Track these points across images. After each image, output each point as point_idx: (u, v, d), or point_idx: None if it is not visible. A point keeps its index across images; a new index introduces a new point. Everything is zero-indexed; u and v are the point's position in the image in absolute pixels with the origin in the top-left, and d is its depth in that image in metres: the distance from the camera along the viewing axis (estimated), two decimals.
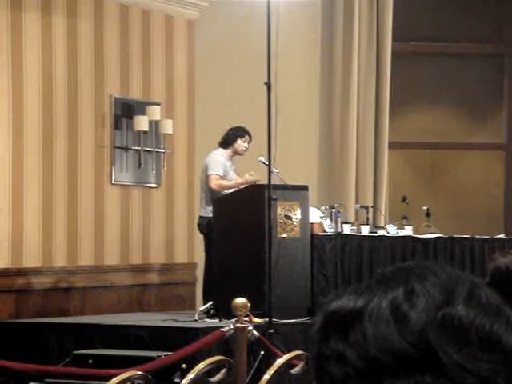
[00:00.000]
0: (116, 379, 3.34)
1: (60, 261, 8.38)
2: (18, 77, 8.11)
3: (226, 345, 6.18)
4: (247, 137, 8.23)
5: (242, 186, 8.11)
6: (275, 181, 7.83)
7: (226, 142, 8.28)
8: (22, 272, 8.07)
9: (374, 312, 0.96)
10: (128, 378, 3.48)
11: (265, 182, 7.70)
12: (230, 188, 8.11)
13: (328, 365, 0.97)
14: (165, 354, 6.51)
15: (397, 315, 0.96)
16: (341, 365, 0.96)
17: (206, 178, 8.14)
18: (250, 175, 8.04)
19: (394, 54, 10.39)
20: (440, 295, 0.96)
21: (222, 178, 8.11)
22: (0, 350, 7.38)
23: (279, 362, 4.74)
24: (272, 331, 7.05)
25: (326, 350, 0.98)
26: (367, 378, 0.95)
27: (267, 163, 7.74)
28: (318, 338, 0.99)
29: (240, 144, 8.22)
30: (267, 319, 7.20)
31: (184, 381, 3.71)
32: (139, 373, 3.52)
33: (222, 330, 5.32)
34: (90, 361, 6.78)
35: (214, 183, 8.08)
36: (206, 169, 8.20)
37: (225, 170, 8.16)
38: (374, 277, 1.01)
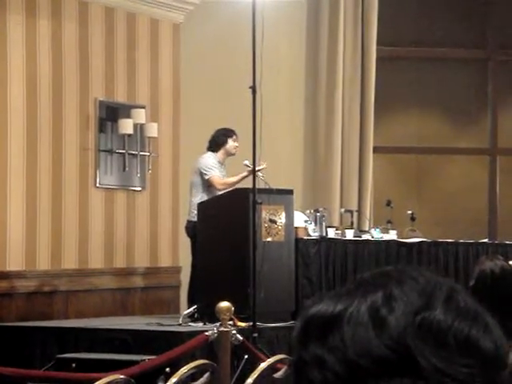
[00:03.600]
0: (99, 383, 3.33)
1: (44, 264, 8.35)
2: (2, 78, 8.08)
3: (209, 349, 6.17)
4: (235, 136, 8.25)
5: (231, 188, 8.09)
6: (260, 184, 7.83)
7: (217, 144, 8.26)
8: (5, 275, 8.03)
9: (352, 316, 0.96)
10: (111, 382, 3.47)
11: (249, 185, 7.70)
12: (236, 183, 8.08)
13: (307, 369, 0.97)
14: (149, 357, 6.49)
15: (375, 319, 0.96)
16: (320, 369, 0.96)
17: (205, 181, 8.10)
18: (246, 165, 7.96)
19: (379, 58, 10.42)
20: (418, 300, 0.96)
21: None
22: None
23: (263, 365, 4.74)
24: (256, 335, 7.04)
25: (306, 355, 0.98)
26: (346, 382, 0.95)
27: (252, 167, 7.73)
28: (298, 343, 0.99)
29: (231, 144, 8.23)
30: (251, 323, 7.19)
31: None
32: (122, 377, 3.51)
33: (206, 333, 5.31)
34: (74, 365, 6.75)
35: (219, 183, 8.07)
36: (199, 173, 8.16)
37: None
38: (354, 281, 1.01)
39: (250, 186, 7.65)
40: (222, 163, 8.29)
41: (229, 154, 8.27)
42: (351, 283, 1.01)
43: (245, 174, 8.01)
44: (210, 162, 8.16)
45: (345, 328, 0.96)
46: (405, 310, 0.96)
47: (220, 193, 8.09)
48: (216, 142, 8.26)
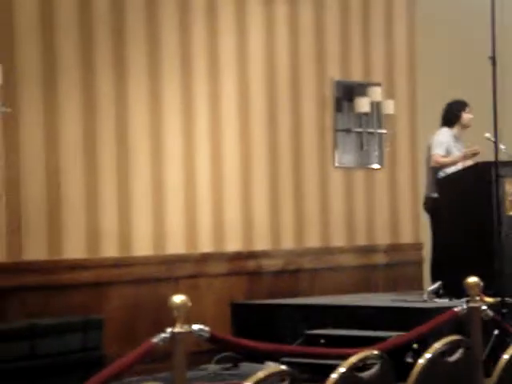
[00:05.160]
0: (353, 358, 3.38)
1: (288, 243, 8.58)
2: (243, 63, 8.34)
3: (456, 325, 6.10)
4: (468, 108, 8.12)
5: (467, 163, 7.96)
6: (502, 157, 7.63)
7: (450, 119, 8.15)
8: (253, 255, 8.32)
9: None
10: (365, 358, 3.51)
11: (492, 158, 7.52)
12: (450, 164, 7.99)
13: None
14: (395, 334, 6.50)
15: None
16: None
17: (429, 157, 8.09)
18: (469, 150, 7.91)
19: None
20: None
21: (443, 156, 8.02)
22: (237, 329, 7.68)
23: None
24: (505, 311, 6.89)
25: None
26: None
27: (493, 139, 7.55)
28: None
29: (465, 116, 8.11)
30: (499, 298, 7.04)
31: (421, 360, 3.69)
32: (376, 352, 3.54)
33: (455, 309, 5.25)
34: (322, 341, 6.89)
35: (434, 161, 8.03)
36: (429, 149, 8.13)
37: (447, 149, 8.05)
38: None
39: (492, 159, 7.47)
40: (458, 138, 8.15)
41: (465, 127, 8.14)
42: None
43: (461, 155, 7.91)
44: (440, 138, 8.06)
45: None
46: None
47: (455, 168, 7.96)
48: (449, 117, 8.15)
